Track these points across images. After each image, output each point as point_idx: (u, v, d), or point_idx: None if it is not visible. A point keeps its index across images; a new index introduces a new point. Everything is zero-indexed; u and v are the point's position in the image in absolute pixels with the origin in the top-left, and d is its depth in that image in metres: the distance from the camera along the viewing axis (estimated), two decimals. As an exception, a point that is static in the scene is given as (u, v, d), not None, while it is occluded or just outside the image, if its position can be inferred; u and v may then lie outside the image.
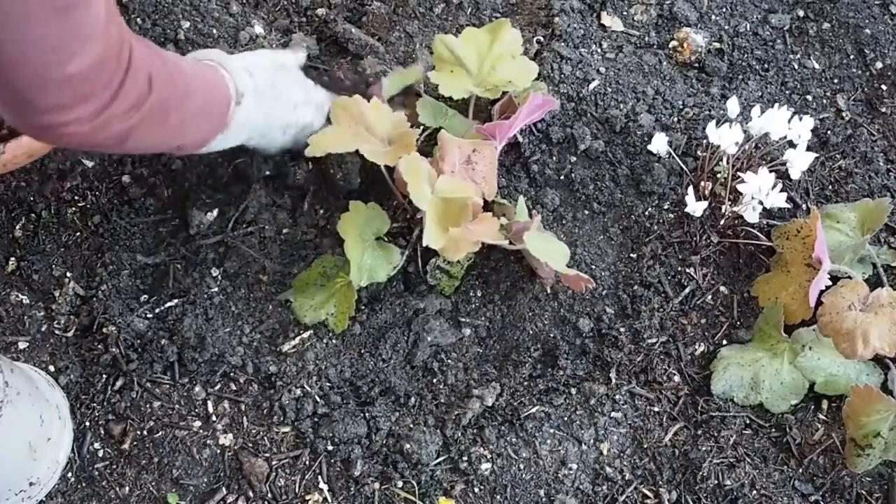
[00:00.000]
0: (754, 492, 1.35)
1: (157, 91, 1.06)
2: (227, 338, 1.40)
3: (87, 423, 1.36)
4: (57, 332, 1.42)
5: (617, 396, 1.40)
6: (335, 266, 1.40)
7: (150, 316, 1.41)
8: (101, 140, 1.04)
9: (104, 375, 1.38)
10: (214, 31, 1.60)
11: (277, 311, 1.42)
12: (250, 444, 1.36)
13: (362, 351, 1.41)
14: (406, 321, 1.42)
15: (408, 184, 1.27)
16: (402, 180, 1.29)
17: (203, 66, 1.23)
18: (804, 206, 1.53)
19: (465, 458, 1.35)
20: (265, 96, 1.30)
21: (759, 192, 1.38)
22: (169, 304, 1.42)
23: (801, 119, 1.42)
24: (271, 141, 1.37)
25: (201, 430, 1.37)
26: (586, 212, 1.51)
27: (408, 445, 1.33)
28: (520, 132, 1.51)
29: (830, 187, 1.56)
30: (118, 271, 1.43)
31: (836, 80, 1.67)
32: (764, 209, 1.41)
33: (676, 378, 1.42)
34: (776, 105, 1.43)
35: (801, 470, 1.38)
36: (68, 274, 1.44)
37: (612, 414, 1.39)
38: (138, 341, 1.39)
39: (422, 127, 1.46)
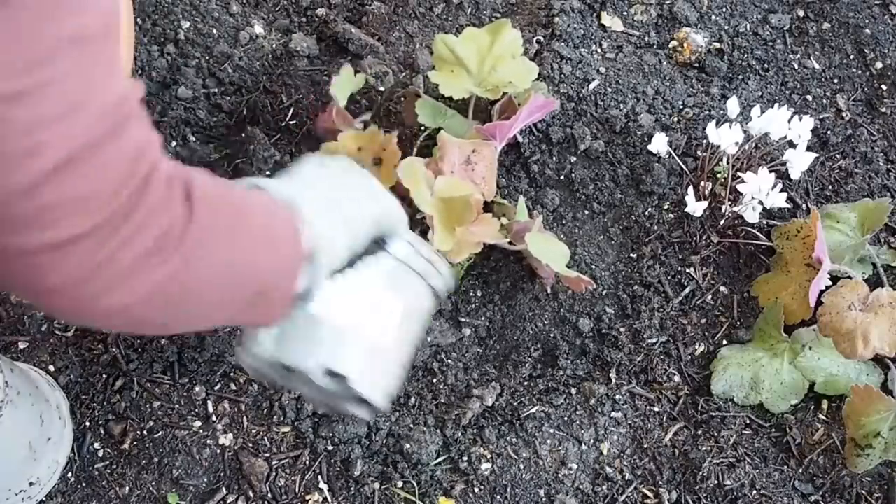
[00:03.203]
0: (754, 492, 1.35)
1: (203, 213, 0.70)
2: (227, 337, 1.40)
3: (87, 423, 1.36)
4: (57, 332, 1.41)
5: (617, 396, 1.40)
6: (335, 266, 1.40)
7: (150, 316, 1.41)
8: (96, 295, 0.65)
9: (104, 375, 1.38)
10: (214, 31, 1.60)
11: (277, 311, 1.42)
12: (250, 444, 1.36)
13: (362, 351, 1.41)
14: (406, 321, 1.42)
15: (408, 189, 1.27)
16: (401, 183, 1.29)
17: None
18: (804, 206, 1.53)
19: (465, 458, 1.34)
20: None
21: (759, 192, 1.38)
22: (169, 304, 1.42)
23: (801, 119, 1.42)
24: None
25: (201, 430, 1.37)
26: (586, 212, 1.51)
27: (408, 445, 1.33)
28: (520, 132, 1.51)
29: (830, 187, 1.56)
30: (118, 271, 1.43)
31: (836, 80, 1.67)
32: (764, 209, 1.41)
33: (676, 378, 1.42)
34: (776, 105, 1.43)
35: (801, 470, 1.38)
36: (68, 274, 1.44)
37: (612, 414, 1.39)
38: (138, 341, 1.39)
39: (421, 127, 1.46)
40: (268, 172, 1.47)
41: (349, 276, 0.92)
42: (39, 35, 0.57)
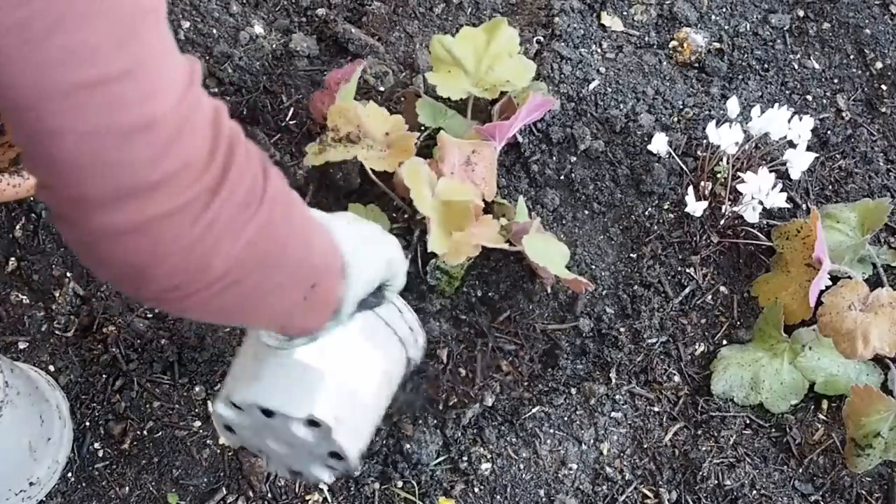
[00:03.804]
0: (754, 492, 1.35)
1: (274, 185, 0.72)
2: (227, 337, 1.40)
3: (87, 423, 1.36)
4: (57, 332, 1.41)
5: (617, 396, 1.40)
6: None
7: (150, 316, 1.41)
8: (206, 256, 0.66)
9: (104, 375, 1.38)
10: (214, 31, 1.60)
11: (277, 311, 1.42)
12: (250, 444, 1.36)
13: (362, 351, 1.41)
14: (406, 321, 1.42)
15: (410, 190, 1.27)
16: (402, 184, 1.29)
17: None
18: (804, 206, 1.53)
19: (465, 458, 1.34)
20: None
21: (759, 192, 1.38)
22: (169, 304, 1.42)
23: (801, 119, 1.42)
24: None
25: (201, 430, 1.37)
26: (586, 212, 1.51)
27: (408, 445, 1.33)
28: (520, 132, 1.51)
29: (830, 187, 1.56)
30: (118, 271, 1.43)
31: (836, 80, 1.67)
32: (764, 209, 1.41)
33: (676, 378, 1.42)
34: (776, 105, 1.43)
35: (801, 470, 1.37)
36: (68, 274, 1.44)
37: (612, 414, 1.39)
38: (138, 341, 1.39)
39: (421, 127, 1.46)
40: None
41: (337, 330, 0.92)
42: (120, 12, 0.59)
